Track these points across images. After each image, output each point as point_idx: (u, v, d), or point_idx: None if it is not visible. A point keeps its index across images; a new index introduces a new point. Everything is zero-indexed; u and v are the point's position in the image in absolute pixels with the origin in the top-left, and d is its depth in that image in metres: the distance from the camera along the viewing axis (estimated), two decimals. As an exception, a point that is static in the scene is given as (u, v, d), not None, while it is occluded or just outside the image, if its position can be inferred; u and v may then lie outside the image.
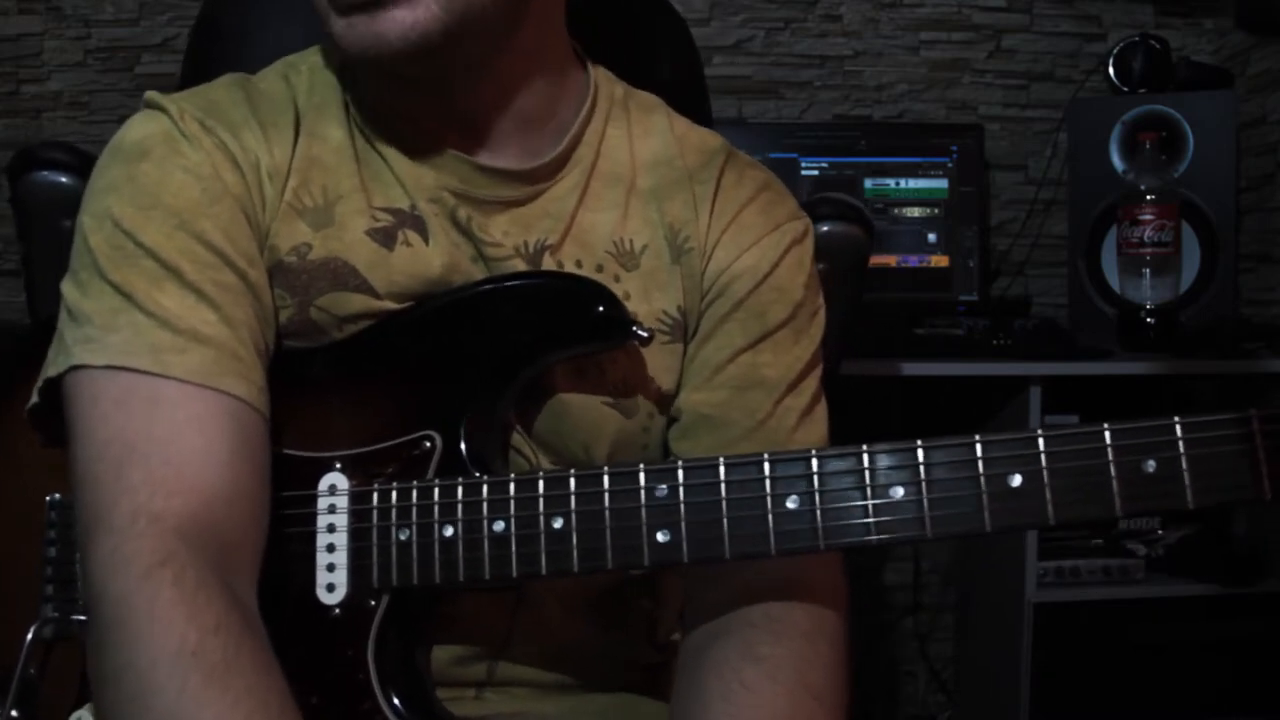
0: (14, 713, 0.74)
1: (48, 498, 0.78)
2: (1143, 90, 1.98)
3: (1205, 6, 2.15)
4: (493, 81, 0.76)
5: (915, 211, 2.00)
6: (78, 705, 0.73)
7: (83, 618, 0.74)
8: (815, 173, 1.99)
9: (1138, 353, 1.79)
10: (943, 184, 1.99)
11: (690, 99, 1.09)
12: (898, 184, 1.99)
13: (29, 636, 0.75)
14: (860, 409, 0.94)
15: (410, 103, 0.76)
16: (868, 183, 1.99)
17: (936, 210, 2.00)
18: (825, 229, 1.07)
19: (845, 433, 0.83)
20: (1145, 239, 1.79)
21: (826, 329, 0.84)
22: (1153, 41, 1.99)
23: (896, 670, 2.16)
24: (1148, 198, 1.79)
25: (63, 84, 2.03)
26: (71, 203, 1.01)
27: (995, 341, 1.76)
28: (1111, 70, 2.02)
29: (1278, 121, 1.99)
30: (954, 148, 1.99)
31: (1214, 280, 1.90)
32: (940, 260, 1.99)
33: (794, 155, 1.98)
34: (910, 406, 2.00)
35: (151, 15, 2.02)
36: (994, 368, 1.74)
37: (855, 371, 1.08)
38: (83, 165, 1.02)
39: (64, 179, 1.02)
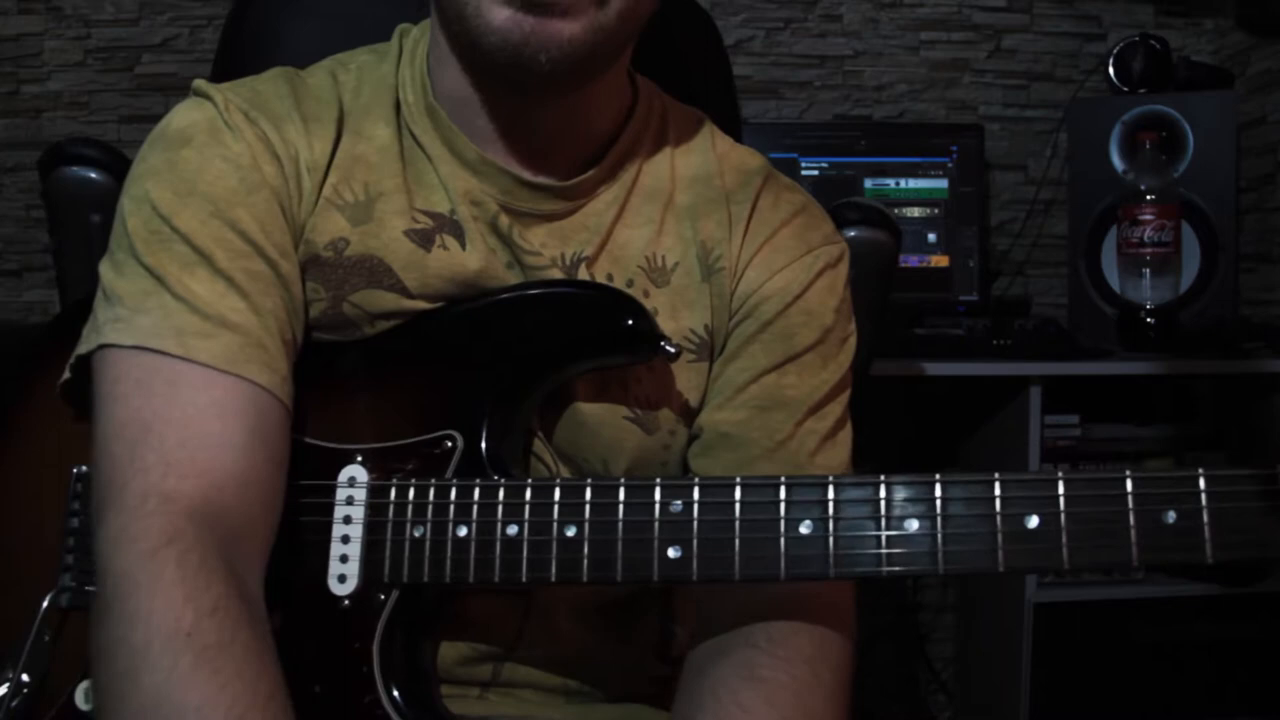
0: (24, 676, 0.74)
1: (74, 469, 0.79)
2: (1143, 90, 1.98)
3: (1205, 6, 2.15)
4: (576, 105, 0.76)
5: (915, 211, 2.00)
6: (87, 676, 0.73)
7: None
8: (815, 173, 1.99)
9: (1138, 353, 1.79)
10: (943, 184, 1.99)
11: (718, 101, 1.09)
12: (898, 184, 1.99)
13: (44, 604, 0.76)
14: (860, 409, 0.93)
15: (486, 109, 0.76)
16: (868, 183, 1.99)
17: (936, 210, 2.00)
18: (851, 234, 1.06)
19: (854, 434, 0.83)
20: (1145, 239, 1.79)
21: (856, 351, 0.83)
22: (1153, 41, 1.98)
23: (897, 670, 2.16)
24: (1148, 198, 1.79)
25: (63, 84, 2.03)
26: (100, 198, 1.03)
27: (995, 341, 1.77)
28: (1111, 70, 2.02)
29: (1278, 121, 1.99)
30: (954, 148, 1.99)
31: (1214, 280, 1.90)
32: (940, 260, 1.99)
33: (794, 155, 1.98)
34: (910, 406, 2.00)
35: (151, 15, 2.02)
36: (994, 368, 1.74)
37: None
38: (112, 162, 1.05)
39: (93, 175, 1.04)
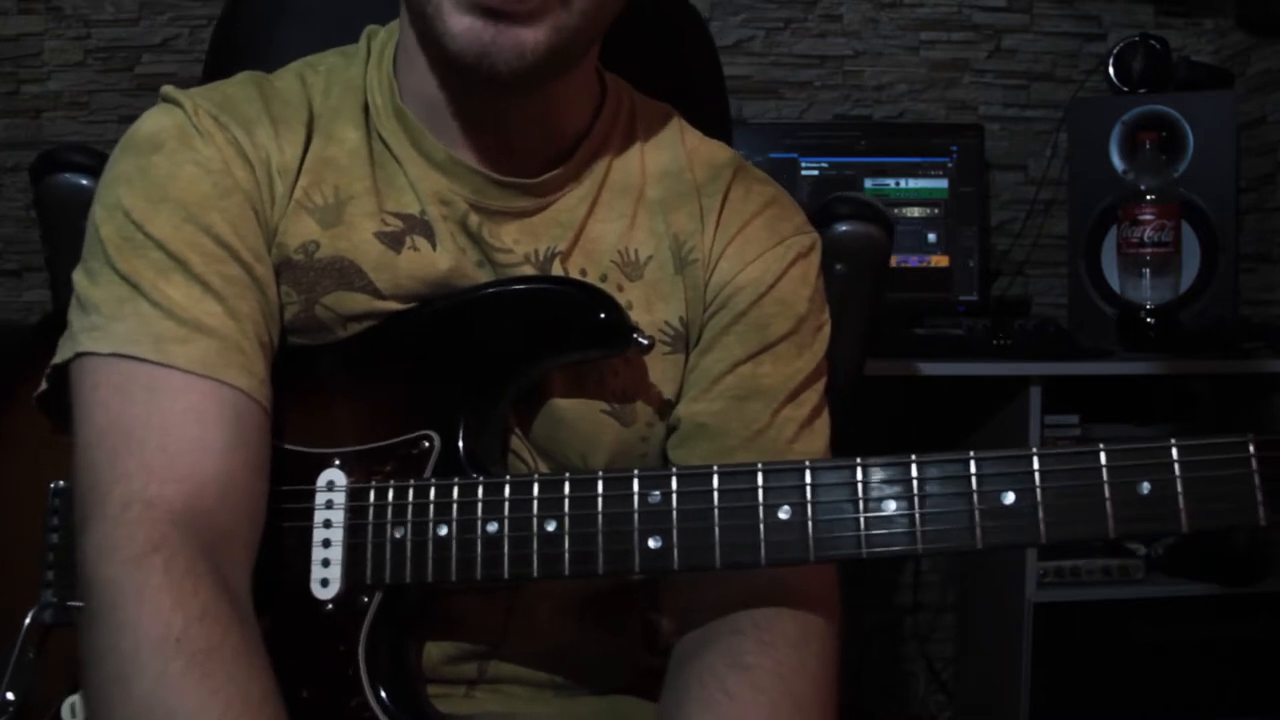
0: (9, 695, 0.74)
1: (51, 484, 0.79)
2: (1143, 90, 1.98)
3: (1205, 6, 2.15)
4: (543, 103, 0.76)
5: (915, 211, 2.00)
6: (72, 691, 0.74)
7: (80, 604, 0.75)
8: (815, 173, 1.99)
9: (1138, 353, 1.79)
10: (943, 184, 1.99)
11: (708, 97, 1.09)
12: (898, 184, 1.99)
13: (27, 620, 0.76)
14: (859, 409, 0.94)
15: (454, 108, 0.76)
16: (868, 183, 1.99)
17: (936, 210, 2.00)
18: (843, 229, 1.06)
19: (846, 432, 0.83)
20: (1145, 239, 1.79)
21: (846, 332, 0.83)
22: (1153, 41, 1.98)
23: (896, 670, 2.16)
24: (1148, 198, 1.79)
25: (63, 84, 2.03)
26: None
27: (995, 341, 1.77)
28: (1111, 70, 2.02)
29: (1278, 121, 1.99)
30: (954, 148, 1.99)
31: (1214, 280, 1.90)
32: (940, 260, 1.99)
33: (794, 155, 1.98)
34: (910, 406, 2.00)
35: (151, 15, 2.03)
36: (994, 368, 1.74)
37: (855, 371, 1.08)
38: (103, 168, 1.04)
39: (85, 181, 1.03)
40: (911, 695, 2.17)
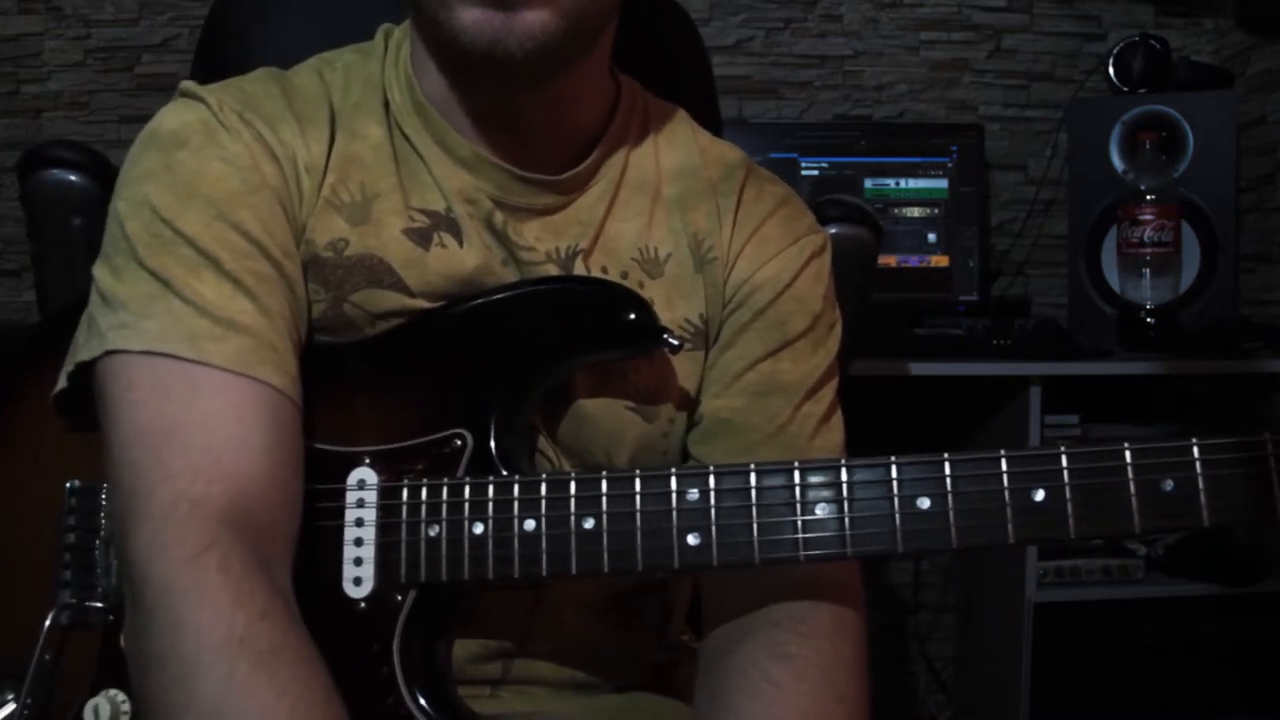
0: (29, 699, 0.74)
1: (67, 484, 0.78)
2: (1143, 90, 1.98)
3: (1205, 6, 2.15)
4: (554, 96, 0.76)
5: (915, 211, 2.00)
6: (92, 694, 0.73)
7: (99, 605, 0.75)
8: (815, 173, 1.99)
9: (1138, 353, 1.79)
10: (943, 184, 1.99)
11: (700, 100, 1.09)
12: (898, 184, 2.00)
13: (46, 623, 0.75)
14: (860, 409, 0.94)
15: (469, 107, 0.77)
16: (868, 183, 1.99)
17: (936, 210, 2.00)
18: (832, 231, 1.07)
19: (846, 433, 0.84)
20: (1145, 239, 1.79)
21: (841, 339, 0.84)
22: (1152, 41, 1.99)
23: (896, 670, 2.16)
24: (1148, 198, 1.79)
25: (63, 84, 2.03)
26: (81, 201, 1.01)
27: (995, 341, 1.77)
28: (1111, 70, 2.02)
29: (1278, 121, 1.99)
30: (954, 148, 1.99)
31: (1214, 280, 1.90)
32: (940, 260, 1.99)
33: (794, 155, 1.98)
34: (910, 406, 2.00)
35: (151, 15, 2.03)
36: (994, 368, 1.74)
37: (855, 371, 1.08)
38: (92, 164, 1.03)
39: (73, 177, 1.02)
40: (911, 695, 2.17)
